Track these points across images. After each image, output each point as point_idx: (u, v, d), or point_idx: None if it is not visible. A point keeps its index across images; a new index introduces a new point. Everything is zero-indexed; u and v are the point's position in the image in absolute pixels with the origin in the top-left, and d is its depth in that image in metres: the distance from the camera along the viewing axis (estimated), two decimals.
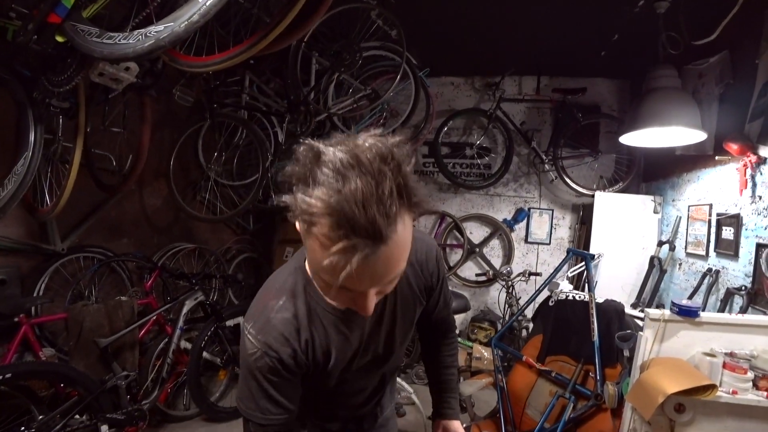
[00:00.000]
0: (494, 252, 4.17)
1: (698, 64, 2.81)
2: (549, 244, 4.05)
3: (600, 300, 2.17)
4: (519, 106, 4.01)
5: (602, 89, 3.91)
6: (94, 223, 2.95)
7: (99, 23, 1.35)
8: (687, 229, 2.97)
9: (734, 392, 1.62)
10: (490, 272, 3.79)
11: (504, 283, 3.49)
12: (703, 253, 2.75)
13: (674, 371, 1.67)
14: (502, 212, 4.12)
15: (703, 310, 2.45)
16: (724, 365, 1.66)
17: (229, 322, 3.01)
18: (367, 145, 0.62)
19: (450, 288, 4.06)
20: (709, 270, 2.64)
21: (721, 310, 2.43)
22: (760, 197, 2.31)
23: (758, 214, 2.32)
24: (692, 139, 2.56)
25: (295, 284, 0.86)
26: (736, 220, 2.45)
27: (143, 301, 2.86)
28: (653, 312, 1.77)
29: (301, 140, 0.67)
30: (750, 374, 1.64)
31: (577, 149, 3.76)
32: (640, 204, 3.41)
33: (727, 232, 2.53)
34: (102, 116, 2.28)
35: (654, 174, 3.59)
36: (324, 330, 0.86)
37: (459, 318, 3.84)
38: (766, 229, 2.25)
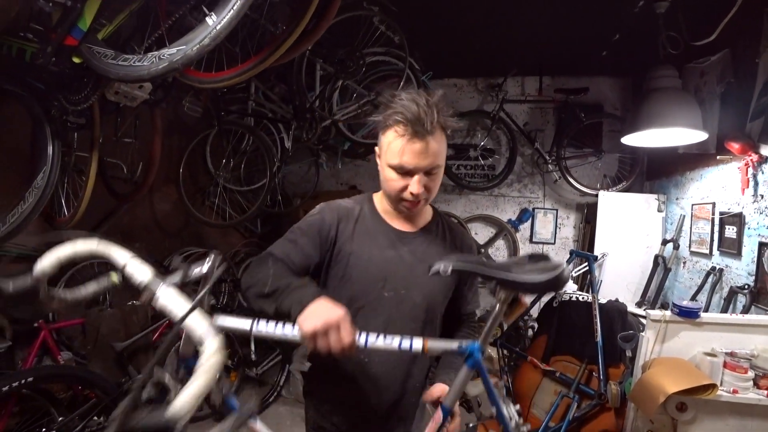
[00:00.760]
0: (499, 252, 4.21)
1: (699, 63, 2.82)
2: (554, 243, 4.08)
3: (603, 301, 2.20)
4: (522, 107, 4.03)
5: (604, 88, 3.92)
6: (108, 229, 3.03)
7: (113, 44, 1.41)
8: (691, 228, 2.99)
9: (735, 391, 1.65)
10: None
11: None
12: (707, 251, 2.77)
13: (675, 371, 1.70)
14: (507, 213, 4.15)
15: (707, 309, 2.49)
16: (725, 365, 1.70)
17: None
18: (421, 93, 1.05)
19: None
20: (713, 268, 2.66)
21: (725, 308, 2.45)
22: (762, 196, 2.33)
23: (760, 213, 2.34)
24: (694, 139, 2.58)
25: (361, 199, 1.21)
26: (738, 219, 2.47)
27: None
28: (654, 313, 1.81)
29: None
30: (750, 373, 1.68)
31: (581, 149, 3.77)
32: (644, 203, 3.42)
33: (730, 231, 2.54)
34: (114, 127, 2.35)
35: (657, 173, 3.60)
36: (366, 230, 1.13)
37: None
38: None
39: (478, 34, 3.18)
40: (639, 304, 3.13)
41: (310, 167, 4.04)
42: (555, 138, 3.80)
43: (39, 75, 1.70)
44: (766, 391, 1.65)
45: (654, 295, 3.16)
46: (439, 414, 0.98)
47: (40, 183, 1.85)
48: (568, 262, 2.56)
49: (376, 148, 1.11)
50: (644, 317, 2.50)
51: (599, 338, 2.10)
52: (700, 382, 1.62)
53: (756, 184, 2.37)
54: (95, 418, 2.32)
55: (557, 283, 0.83)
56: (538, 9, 2.76)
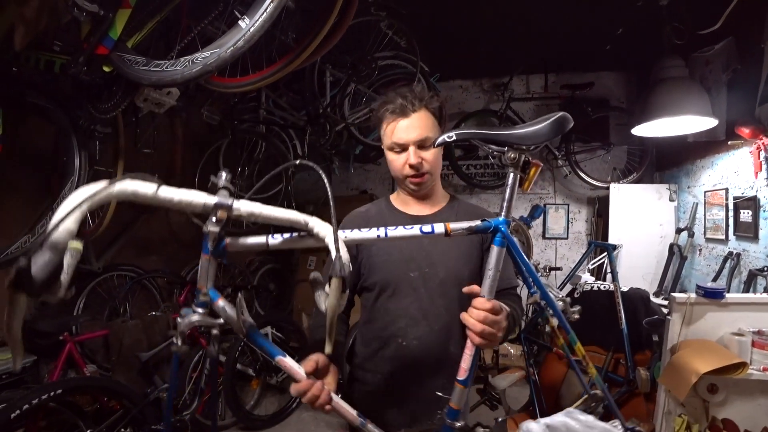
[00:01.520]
0: None
1: (704, 52, 2.86)
2: (566, 238, 4.09)
3: (625, 288, 2.21)
4: (528, 105, 4.08)
5: (609, 82, 3.97)
6: (125, 241, 3.06)
7: (143, 52, 1.45)
8: (705, 215, 3.00)
9: (765, 369, 1.66)
10: None
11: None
12: (723, 237, 2.78)
13: (705, 352, 1.70)
14: (519, 210, 4.17)
15: (727, 293, 2.48)
16: (753, 344, 1.70)
17: (261, 331, 3.09)
18: None
19: None
20: (730, 253, 2.67)
21: (745, 292, 2.45)
22: None
23: None
24: (703, 126, 2.60)
25: (378, 201, 1.32)
26: (753, 203, 2.49)
27: (177, 315, 2.96)
28: (680, 296, 1.82)
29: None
30: None
31: (589, 143, 3.81)
32: (656, 193, 3.44)
33: (746, 215, 2.56)
34: (134, 138, 2.39)
35: (667, 162, 3.63)
36: (384, 222, 1.15)
37: None
38: None
39: (482, 34, 3.23)
40: (657, 294, 3.13)
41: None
42: (563, 133, 3.83)
43: (66, 86, 1.75)
44: None
45: (671, 284, 3.16)
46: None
47: (68, 193, 1.89)
48: (587, 252, 2.57)
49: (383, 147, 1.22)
50: (664, 306, 2.51)
51: (624, 326, 2.10)
52: (731, 361, 1.62)
53: None
54: (122, 429, 2.33)
55: (561, 125, 0.86)
56: (541, 6, 2.81)
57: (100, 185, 0.67)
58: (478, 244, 1.20)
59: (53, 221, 0.61)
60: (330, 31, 1.65)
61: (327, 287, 0.79)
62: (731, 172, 2.73)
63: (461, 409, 0.95)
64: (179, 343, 0.82)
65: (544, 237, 4.15)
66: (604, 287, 2.29)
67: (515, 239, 0.93)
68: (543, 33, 3.22)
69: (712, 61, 2.82)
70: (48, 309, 2.58)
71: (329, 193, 0.82)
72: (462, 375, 0.92)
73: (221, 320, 0.83)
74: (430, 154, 1.15)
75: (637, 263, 3.38)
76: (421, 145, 1.13)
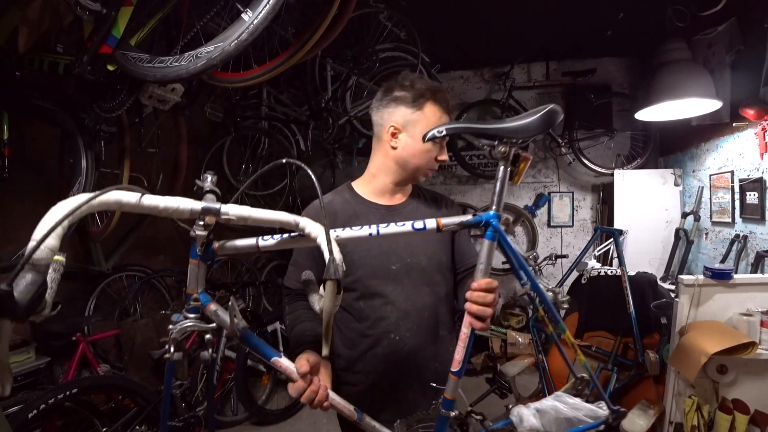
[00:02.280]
0: (519, 239, 4.22)
1: (706, 34, 2.83)
2: (572, 226, 4.09)
3: (632, 273, 2.21)
4: (530, 93, 4.06)
5: (611, 68, 3.94)
6: (133, 242, 3.09)
7: (146, 49, 1.46)
8: (710, 198, 2.99)
9: None
10: None
11: (531, 267, 3.54)
12: (729, 220, 2.77)
13: (714, 332, 1.71)
14: (523, 199, 4.17)
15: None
16: (762, 323, 1.70)
17: (270, 327, 3.12)
18: None
19: None
20: (737, 236, 2.66)
21: (753, 273, 2.45)
22: None
23: None
24: (707, 109, 2.58)
25: (338, 190, 1.26)
26: (759, 184, 2.47)
27: None
28: (687, 278, 1.82)
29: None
30: None
31: (592, 129, 3.79)
32: (660, 178, 3.43)
33: (752, 197, 2.55)
34: (138, 138, 2.40)
35: (671, 147, 3.61)
36: (354, 214, 1.16)
37: None
38: None
39: (482, 24, 3.21)
40: (663, 279, 3.13)
41: (325, 168, 4.08)
42: (566, 121, 3.82)
43: (70, 87, 1.76)
44: None
45: (678, 269, 3.16)
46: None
47: (76, 194, 1.91)
48: (594, 238, 2.57)
49: (393, 124, 1.14)
50: (671, 291, 2.51)
51: (632, 309, 2.11)
52: (740, 341, 1.62)
53: None
54: (137, 426, 2.36)
55: (550, 118, 0.87)
56: None
57: (80, 198, 0.65)
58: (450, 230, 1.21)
59: (33, 239, 0.58)
60: (330, 23, 1.65)
61: (321, 289, 0.80)
62: (736, 154, 2.72)
63: (455, 399, 0.96)
64: (172, 349, 0.79)
65: (549, 225, 4.14)
66: (611, 272, 2.30)
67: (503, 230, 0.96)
68: (543, 20, 3.20)
69: (715, 43, 2.80)
70: (61, 310, 2.61)
71: (319, 192, 0.82)
72: (456, 366, 0.93)
73: (214, 324, 0.83)
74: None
75: (644, 249, 3.38)
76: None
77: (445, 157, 1.16)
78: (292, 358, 0.94)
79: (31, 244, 0.58)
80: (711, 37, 2.81)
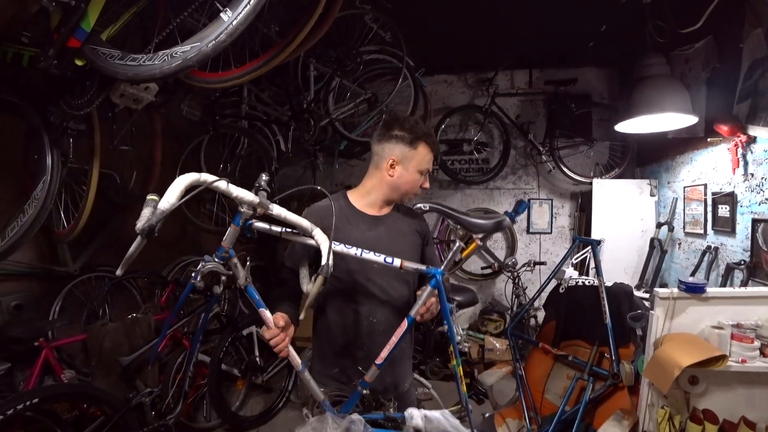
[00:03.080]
0: (498, 244, 4.25)
1: (684, 50, 2.91)
2: (550, 233, 4.14)
3: (609, 283, 2.24)
4: (513, 100, 4.10)
5: (592, 78, 4.00)
6: (102, 242, 2.96)
7: (118, 45, 1.38)
8: (684, 210, 3.07)
9: (743, 361, 1.70)
10: (496, 264, 3.87)
11: (510, 274, 3.57)
12: (702, 231, 2.85)
13: (687, 345, 1.74)
14: (503, 205, 4.20)
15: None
16: (732, 336, 1.74)
17: (245, 331, 3.05)
18: None
19: (456, 282, 4.09)
20: (708, 247, 2.74)
21: (723, 285, 2.53)
22: (752, 174, 2.41)
23: (751, 191, 2.42)
24: (684, 123, 2.65)
25: (336, 197, 1.47)
26: (731, 198, 2.55)
27: (159, 316, 2.88)
28: (662, 291, 1.85)
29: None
30: (756, 343, 1.73)
31: (572, 138, 3.85)
32: (637, 188, 3.51)
33: (723, 210, 2.63)
34: (110, 135, 2.29)
35: (648, 158, 3.70)
36: (347, 219, 1.42)
37: (468, 311, 3.91)
38: (760, 204, 2.35)
39: (467, 29, 3.22)
40: (638, 287, 3.20)
41: (306, 170, 4.02)
42: (547, 129, 3.87)
43: (37, 80, 1.66)
44: None
45: (652, 277, 3.24)
46: (404, 322, 1.30)
47: (40, 194, 1.80)
48: (572, 248, 2.60)
49: (393, 158, 1.42)
50: (645, 299, 2.56)
51: (608, 320, 2.13)
52: (712, 354, 1.66)
53: (746, 163, 2.45)
54: None
55: (499, 226, 1.39)
56: (526, 2, 2.81)
57: (192, 176, 1.00)
58: (421, 240, 1.53)
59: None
60: (315, 24, 1.61)
61: (312, 278, 1.17)
62: (710, 168, 2.79)
63: (371, 382, 1.32)
64: (198, 279, 1.06)
65: (528, 232, 4.19)
66: (589, 282, 2.32)
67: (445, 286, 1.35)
68: (528, 29, 3.22)
69: (692, 59, 2.87)
70: (22, 313, 2.47)
71: (332, 221, 1.18)
72: (379, 360, 1.29)
73: (231, 272, 1.12)
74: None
75: (619, 257, 3.45)
76: None
77: (427, 185, 1.50)
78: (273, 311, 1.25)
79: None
80: (688, 53, 2.88)
